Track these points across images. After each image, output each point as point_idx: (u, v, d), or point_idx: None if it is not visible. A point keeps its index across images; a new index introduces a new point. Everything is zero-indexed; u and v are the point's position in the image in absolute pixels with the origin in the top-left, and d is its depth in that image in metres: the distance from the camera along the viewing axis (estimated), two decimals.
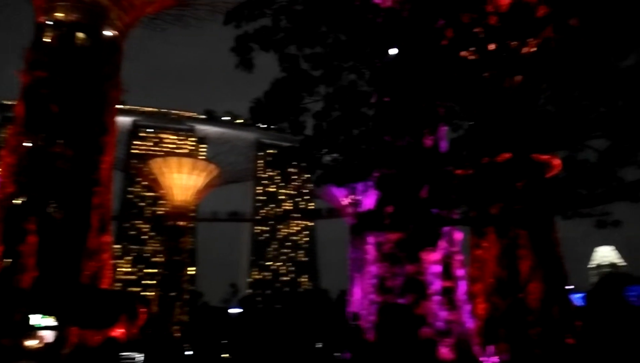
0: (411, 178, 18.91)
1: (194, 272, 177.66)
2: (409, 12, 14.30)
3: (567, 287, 55.49)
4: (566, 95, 15.53)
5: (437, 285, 45.37)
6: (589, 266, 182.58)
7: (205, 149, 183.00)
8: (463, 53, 16.34)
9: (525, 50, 14.92)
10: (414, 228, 25.20)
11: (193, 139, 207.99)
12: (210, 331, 79.61)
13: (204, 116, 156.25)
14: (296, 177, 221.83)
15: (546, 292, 50.58)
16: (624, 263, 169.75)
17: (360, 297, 52.17)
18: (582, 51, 13.76)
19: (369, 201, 49.04)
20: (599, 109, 16.07)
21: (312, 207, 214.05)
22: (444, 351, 43.24)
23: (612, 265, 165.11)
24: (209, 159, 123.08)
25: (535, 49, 14.49)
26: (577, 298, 58.77)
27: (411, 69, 14.44)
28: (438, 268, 45.63)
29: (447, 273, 46.78)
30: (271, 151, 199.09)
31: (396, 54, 14.78)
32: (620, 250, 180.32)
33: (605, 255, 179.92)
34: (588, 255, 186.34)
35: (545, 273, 51.57)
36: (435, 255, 45.11)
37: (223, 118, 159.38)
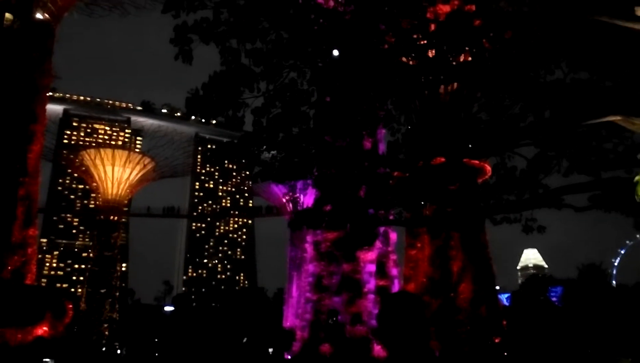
0: (350, 178, 19.17)
1: (125, 269, 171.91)
2: (351, 15, 14.46)
3: (495, 287, 57.90)
4: (498, 103, 16.23)
5: (372, 283, 46.20)
6: (516, 267, 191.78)
7: (141, 142, 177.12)
8: (403, 58, 16.72)
9: (461, 58, 15.45)
10: (352, 228, 25.56)
11: (128, 131, 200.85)
12: (142, 329, 77.26)
13: (140, 108, 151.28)
14: (235, 174, 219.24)
15: (475, 292, 52.58)
16: (547, 266, 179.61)
17: (297, 295, 52.28)
18: (513, 63, 14.41)
19: (308, 199, 49.26)
20: (527, 118, 16.87)
21: (251, 205, 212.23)
22: (378, 349, 44.12)
23: (537, 267, 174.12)
24: (144, 153, 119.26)
25: (470, 58, 15.04)
26: (504, 298, 61.60)
27: (352, 71, 14.61)
28: (373, 267, 46.45)
29: (382, 272, 47.72)
30: (211, 146, 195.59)
31: (338, 56, 14.92)
32: (544, 253, 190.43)
33: (531, 257, 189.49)
34: (515, 257, 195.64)
35: (474, 273, 53.57)
36: (371, 255, 45.91)
37: (161, 111, 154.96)
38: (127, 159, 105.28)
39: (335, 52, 15.48)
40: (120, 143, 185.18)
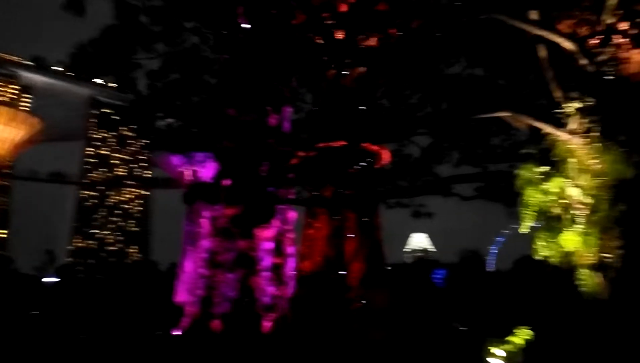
0: (252, 154, 18.82)
1: (5, 235, 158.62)
2: None
3: (385, 268, 60.62)
4: (399, 92, 16.67)
5: (267, 261, 46.29)
6: (404, 249, 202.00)
7: (29, 100, 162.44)
8: (312, 37, 16.56)
9: (368, 43, 15.62)
10: (250, 204, 25.23)
11: (15, 87, 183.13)
12: (18, 300, 71.85)
13: (31, 63, 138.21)
14: (134, 141, 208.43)
15: (366, 272, 54.81)
16: (434, 250, 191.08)
17: (190, 271, 51.08)
18: (416, 53, 14.82)
19: (207, 172, 48.02)
20: (425, 109, 17.52)
21: (148, 175, 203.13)
22: (267, 325, 44.43)
23: (424, 251, 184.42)
24: (32, 112, 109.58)
25: (376, 44, 15.25)
26: None
27: (259, 43, 14.22)
28: (270, 245, 46.58)
29: (279, 250, 48.04)
30: (107, 110, 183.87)
31: (245, 26, 14.44)
32: (432, 237, 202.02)
33: (419, 241, 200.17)
34: (405, 239, 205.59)
35: (367, 254, 55.77)
36: (269, 232, 45.93)
37: (54, 68, 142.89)
38: (12, 118, 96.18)
39: (245, 25, 14.99)
40: (6, 99, 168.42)
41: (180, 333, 46.08)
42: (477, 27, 13.81)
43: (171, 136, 15.37)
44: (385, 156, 37.34)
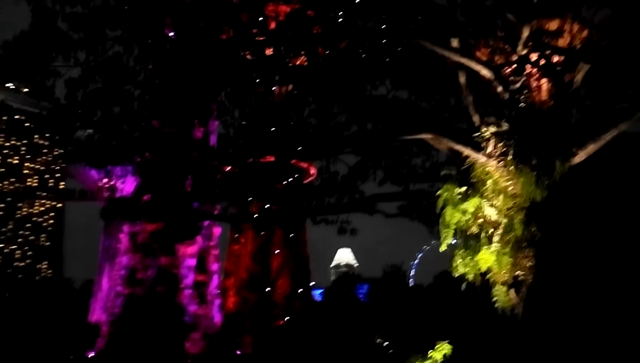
0: (176, 168, 18.30)
1: None
2: None
3: (310, 284, 60.86)
4: (327, 111, 16.92)
5: (190, 278, 45.07)
6: (330, 265, 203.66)
7: None
8: (241, 52, 16.45)
9: (297, 61, 15.76)
10: (174, 220, 24.45)
11: None
12: None
13: None
14: (47, 151, 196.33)
15: (292, 288, 54.80)
16: (357, 265, 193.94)
17: (107, 289, 48.62)
18: (344, 74, 15.14)
19: (127, 187, 46.15)
20: (352, 128, 17.87)
21: (63, 187, 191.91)
22: (189, 345, 43.13)
23: (349, 266, 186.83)
24: None
25: (305, 62, 15.42)
26: (317, 294, 65.08)
27: (185, 56, 13.94)
28: (193, 262, 45.39)
29: (202, 267, 46.92)
30: (19, 116, 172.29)
31: (172, 37, 14.10)
32: (356, 252, 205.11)
33: (344, 256, 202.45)
34: (331, 255, 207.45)
35: (292, 270, 55.83)
36: (192, 249, 44.81)
37: None
38: None
39: (171, 33, 14.64)
40: None
41: (95, 355, 43.61)
42: (401, 51, 14.34)
43: (90, 148, 14.63)
44: (313, 172, 37.69)
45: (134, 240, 44.51)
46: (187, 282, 45.21)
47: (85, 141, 15.04)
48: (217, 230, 49.73)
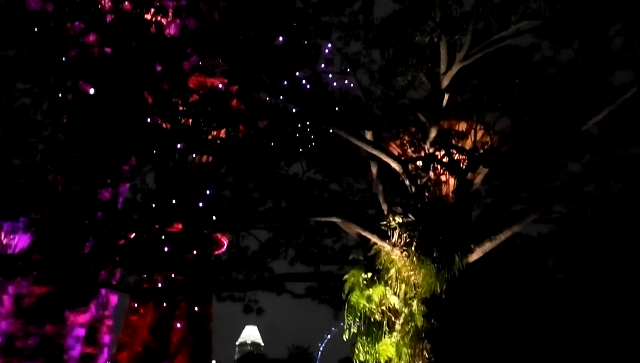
0: (76, 229, 17.17)
1: None
2: (113, 54, 13.52)
3: (210, 362, 57.64)
4: (242, 185, 16.89)
5: (77, 350, 41.14)
6: (236, 343, 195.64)
7: None
8: (159, 120, 16.24)
9: (216, 134, 15.78)
10: (65, 284, 22.60)
11: None
12: None
13: None
14: None
15: None
16: (263, 344, 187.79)
17: None
18: (261, 152, 15.32)
19: (20, 244, 42.57)
20: (267, 204, 17.87)
21: None
22: None
23: (254, 345, 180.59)
24: None
25: (224, 135, 15.48)
26: None
27: (99, 117, 13.50)
28: (83, 332, 41.68)
29: (92, 338, 43.19)
30: None
31: (89, 94, 13.66)
32: (263, 331, 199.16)
33: (250, 334, 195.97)
34: (237, 331, 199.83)
35: (193, 346, 52.74)
36: (83, 317, 41.30)
37: None
38: None
39: (91, 90, 14.19)
40: None
41: None
42: (318, 135, 14.81)
43: None
44: (223, 244, 36.83)
45: (19, 304, 40.45)
46: (74, 354, 41.11)
47: None
48: (113, 298, 46.37)
